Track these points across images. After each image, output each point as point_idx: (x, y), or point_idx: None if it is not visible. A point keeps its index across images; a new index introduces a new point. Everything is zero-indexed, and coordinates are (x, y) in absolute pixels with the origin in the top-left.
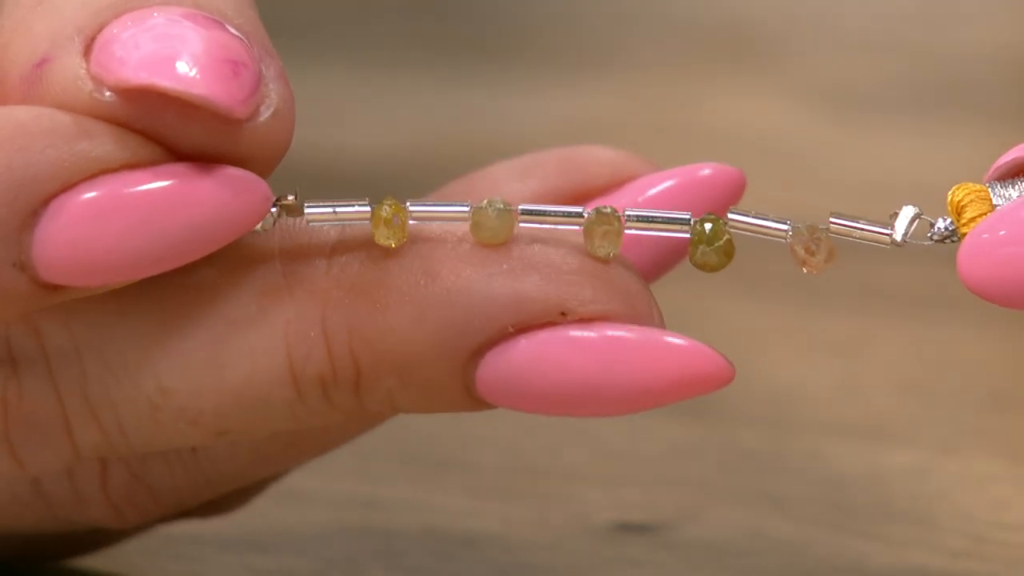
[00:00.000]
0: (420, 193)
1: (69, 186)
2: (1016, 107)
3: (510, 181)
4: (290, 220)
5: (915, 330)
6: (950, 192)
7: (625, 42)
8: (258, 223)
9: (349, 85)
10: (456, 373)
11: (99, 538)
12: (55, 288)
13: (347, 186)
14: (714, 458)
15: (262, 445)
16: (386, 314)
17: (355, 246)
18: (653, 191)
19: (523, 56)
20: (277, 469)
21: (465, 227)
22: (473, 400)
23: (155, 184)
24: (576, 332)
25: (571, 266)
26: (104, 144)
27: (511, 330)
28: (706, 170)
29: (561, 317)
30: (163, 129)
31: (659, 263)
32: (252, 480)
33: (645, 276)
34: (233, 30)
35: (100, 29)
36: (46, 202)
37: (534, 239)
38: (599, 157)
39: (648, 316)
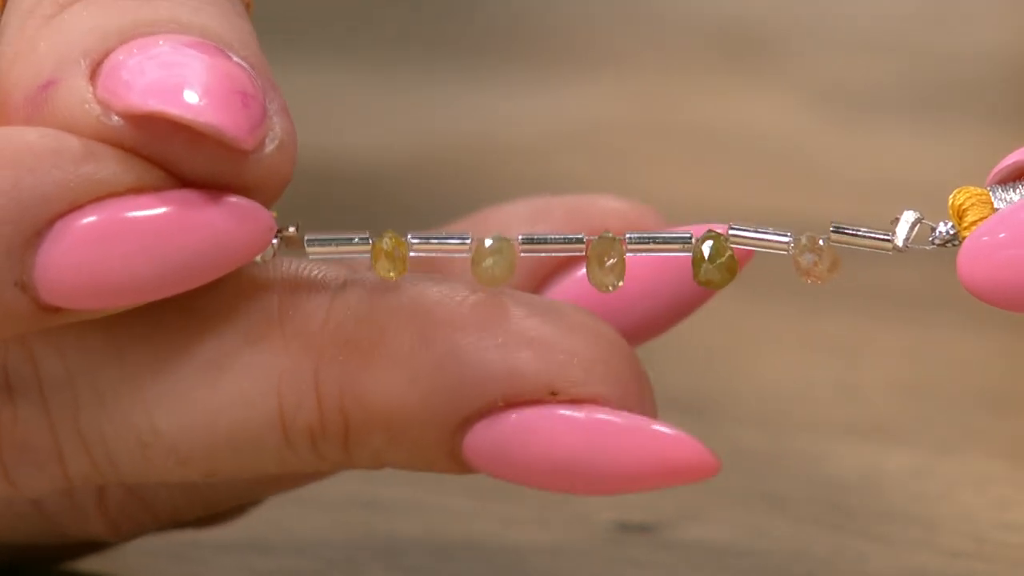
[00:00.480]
0: (420, 194)
1: (74, 208)
2: (1016, 107)
3: (519, 225)
4: (292, 258)
5: (915, 331)
6: (951, 196)
7: (625, 42)
8: (260, 253)
9: (349, 86)
10: (444, 438)
11: (96, 547)
12: (56, 310)
13: (347, 187)
14: None
15: (259, 476)
16: (377, 375)
17: (356, 297)
18: None
19: (523, 57)
20: (274, 491)
21: (468, 287)
22: (459, 465)
23: (159, 209)
24: (565, 412)
25: (565, 345)
26: (109, 167)
27: (500, 403)
28: (718, 229)
29: (551, 396)
30: (169, 156)
31: (677, 309)
32: (248, 500)
33: (663, 323)
34: (238, 60)
35: (106, 55)
36: (50, 223)
37: (532, 305)
38: (608, 207)
39: (639, 402)
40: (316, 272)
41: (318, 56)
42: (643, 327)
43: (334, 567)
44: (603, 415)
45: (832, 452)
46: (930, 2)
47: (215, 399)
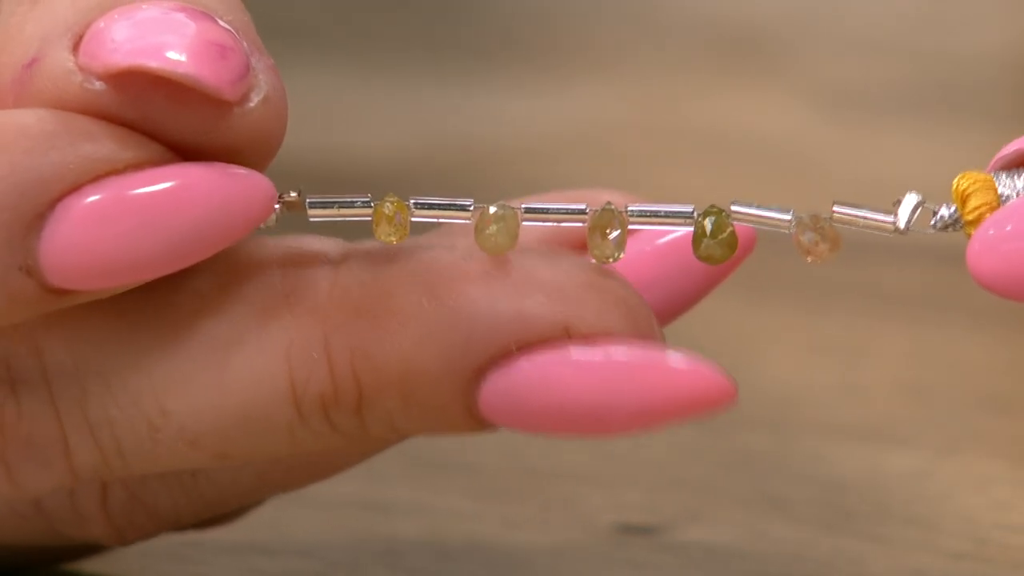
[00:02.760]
0: (423, 195)
1: (74, 189)
2: (1016, 107)
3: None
4: (291, 235)
5: (916, 331)
6: (955, 180)
7: (626, 43)
8: (263, 221)
9: (352, 88)
10: (459, 393)
11: (97, 550)
12: (63, 292)
13: (351, 188)
14: (715, 460)
15: (264, 471)
16: (388, 335)
17: (358, 264)
18: (664, 239)
19: (524, 57)
20: (277, 493)
21: (470, 240)
22: (475, 420)
23: (159, 185)
24: (579, 351)
25: (574, 284)
26: (107, 145)
27: (514, 349)
28: None
29: (565, 336)
30: (155, 116)
31: (675, 303)
32: (252, 502)
33: (663, 316)
34: (223, 23)
35: (88, 26)
36: (51, 205)
37: (538, 256)
38: (610, 200)
39: (650, 335)
40: (316, 245)
41: (322, 58)
42: None
43: (335, 568)
44: (619, 350)
45: (833, 453)
46: (930, 2)
47: (224, 378)
